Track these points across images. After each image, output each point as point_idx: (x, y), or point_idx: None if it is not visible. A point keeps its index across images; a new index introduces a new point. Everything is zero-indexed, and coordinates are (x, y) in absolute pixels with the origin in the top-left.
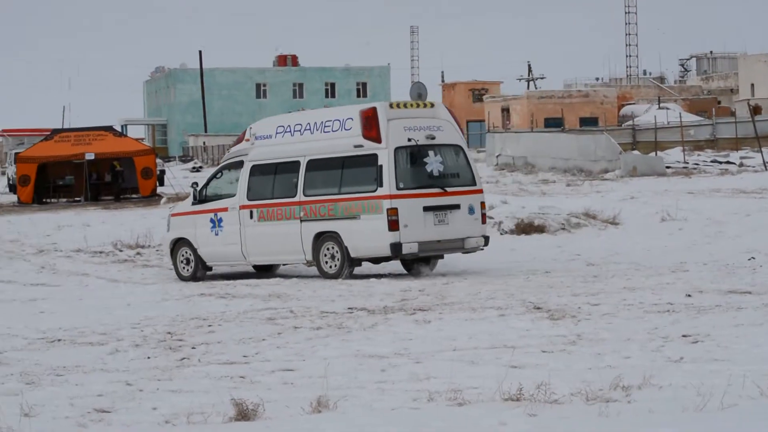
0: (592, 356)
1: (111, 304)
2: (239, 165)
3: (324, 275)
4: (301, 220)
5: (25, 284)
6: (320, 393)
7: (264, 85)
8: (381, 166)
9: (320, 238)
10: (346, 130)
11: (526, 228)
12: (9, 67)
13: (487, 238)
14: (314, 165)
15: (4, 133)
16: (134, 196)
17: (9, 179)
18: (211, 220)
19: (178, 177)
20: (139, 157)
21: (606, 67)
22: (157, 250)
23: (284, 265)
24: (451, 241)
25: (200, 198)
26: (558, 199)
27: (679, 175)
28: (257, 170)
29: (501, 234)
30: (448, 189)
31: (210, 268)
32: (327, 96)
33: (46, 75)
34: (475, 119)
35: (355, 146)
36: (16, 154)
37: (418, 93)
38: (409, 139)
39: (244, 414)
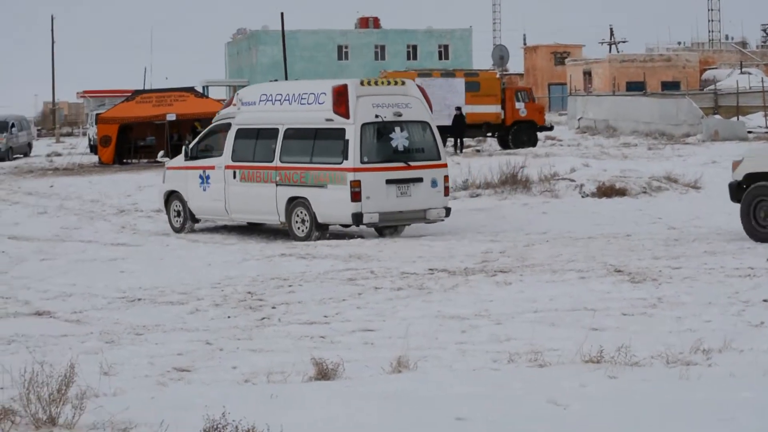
0: (672, 320)
1: (191, 264)
2: (227, 127)
3: (294, 238)
4: (277, 184)
5: (105, 244)
6: (400, 353)
7: (345, 47)
8: (347, 140)
9: (293, 202)
10: (319, 103)
11: (607, 191)
12: (91, 28)
13: (448, 210)
14: (291, 134)
15: (86, 95)
16: None
17: (90, 140)
18: (200, 177)
19: None
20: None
21: (688, 32)
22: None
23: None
24: (413, 212)
25: (192, 155)
26: (639, 163)
27: (760, 140)
28: (242, 134)
29: (582, 197)
30: (412, 163)
31: (198, 221)
32: (408, 58)
33: (127, 36)
34: (557, 82)
35: (326, 120)
36: (97, 115)
37: (500, 56)
38: (377, 116)
39: (324, 373)
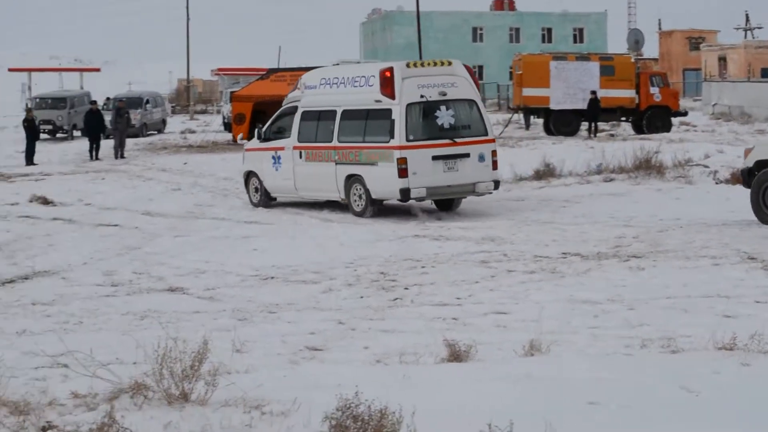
0: None
1: (324, 243)
2: (294, 110)
3: (353, 213)
4: (336, 163)
5: (238, 221)
6: (533, 336)
7: (480, 29)
8: (394, 120)
9: (350, 179)
10: (369, 86)
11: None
12: (226, 5)
13: (497, 183)
14: (347, 115)
15: (220, 72)
16: None
17: (224, 118)
18: (273, 157)
19: None
20: None
21: None
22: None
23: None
24: (461, 186)
25: (265, 137)
26: None
27: None
28: (306, 116)
29: (716, 183)
30: (458, 140)
31: (274, 199)
32: (543, 41)
33: (262, 15)
34: (692, 68)
35: (375, 101)
36: (231, 93)
37: (635, 40)
38: (422, 96)
39: (456, 355)
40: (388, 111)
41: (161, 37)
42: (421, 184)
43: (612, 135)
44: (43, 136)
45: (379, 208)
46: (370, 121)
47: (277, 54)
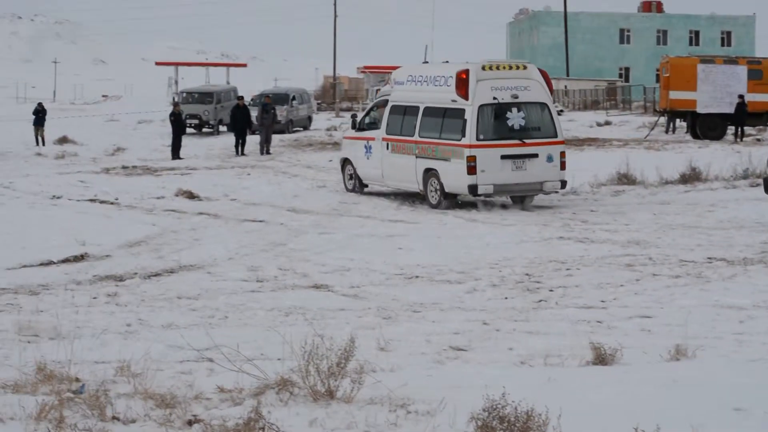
0: None
1: (469, 243)
2: (385, 103)
3: (429, 205)
4: (417, 156)
5: (383, 220)
6: (678, 341)
7: (627, 31)
8: (466, 120)
9: (428, 173)
10: (447, 86)
11: None
12: (374, 4)
13: (564, 182)
14: (427, 112)
15: (366, 70)
16: None
17: None
18: (365, 146)
19: None
20: None
21: None
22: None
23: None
24: (528, 184)
25: (359, 127)
26: None
27: None
28: (394, 110)
29: None
30: (527, 140)
31: (366, 185)
32: (691, 44)
33: (409, 12)
34: None
35: (452, 101)
36: (377, 90)
37: None
38: (494, 98)
39: (601, 358)
40: (462, 111)
41: (308, 34)
42: (489, 181)
43: (759, 140)
44: (189, 130)
45: (456, 203)
46: (446, 119)
47: (424, 52)
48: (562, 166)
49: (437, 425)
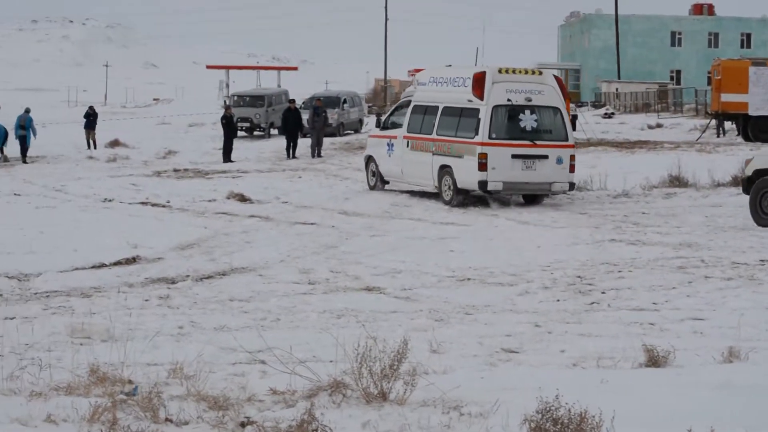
0: None
1: (521, 246)
2: (408, 104)
3: (444, 201)
4: (433, 153)
5: (434, 223)
6: (731, 343)
7: (679, 34)
8: (480, 119)
9: (442, 170)
10: (465, 87)
11: None
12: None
13: (572, 184)
14: (446, 111)
15: (416, 73)
16: None
17: None
18: (388, 144)
19: (590, 122)
20: None
21: None
22: (567, 194)
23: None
24: (537, 184)
25: (384, 126)
26: None
27: None
28: (416, 109)
29: None
30: (538, 142)
31: (387, 182)
32: (742, 46)
33: (460, 15)
34: None
35: (468, 101)
36: None
37: None
38: (508, 100)
39: (654, 360)
40: (477, 110)
41: (358, 37)
42: (499, 179)
43: None
44: (240, 133)
45: (472, 201)
46: (462, 119)
47: (475, 55)
48: (571, 169)
49: (490, 427)
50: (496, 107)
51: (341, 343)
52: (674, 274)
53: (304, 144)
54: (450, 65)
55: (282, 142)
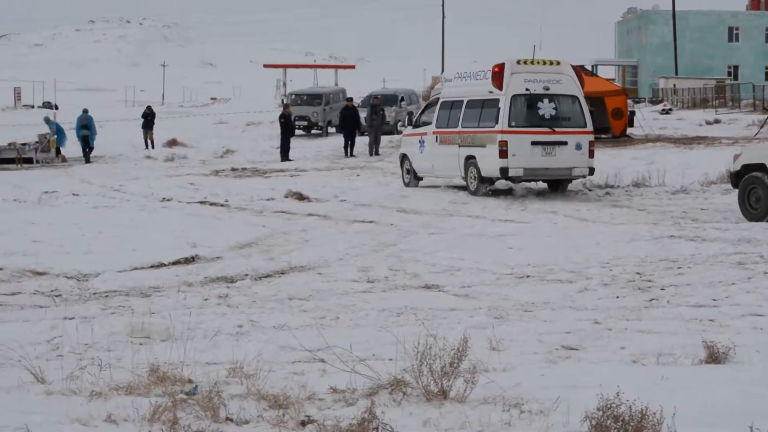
0: None
1: (580, 243)
2: (437, 101)
3: (469, 191)
4: (459, 146)
5: (493, 220)
6: None
7: (736, 29)
8: (499, 108)
9: (468, 161)
10: (486, 79)
11: None
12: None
13: (592, 169)
14: (469, 104)
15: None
16: (603, 136)
17: None
18: (419, 141)
19: (647, 118)
20: (610, 97)
21: None
22: (626, 191)
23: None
24: (557, 169)
25: (416, 124)
26: None
27: None
28: (443, 105)
29: None
30: (557, 129)
31: (421, 179)
32: None
33: (517, 12)
34: None
35: (489, 92)
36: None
37: None
38: (526, 89)
39: (714, 357)
40: (497, 101)
41: (415, 35)
42: (519, 165)
43: None
44: (297, 132)
45: (494, 191)
46: (484, 110)
47: (532, 52)
48: (591, 155)
49: (551, 425)
50: (515, 96)
51: (401, 341)
52: (733, 270)
53: (361, 142)
54: (476, 61)
55: (340, 140)
